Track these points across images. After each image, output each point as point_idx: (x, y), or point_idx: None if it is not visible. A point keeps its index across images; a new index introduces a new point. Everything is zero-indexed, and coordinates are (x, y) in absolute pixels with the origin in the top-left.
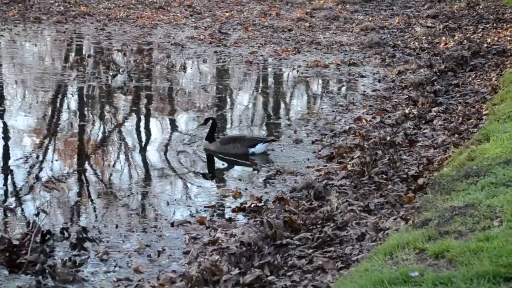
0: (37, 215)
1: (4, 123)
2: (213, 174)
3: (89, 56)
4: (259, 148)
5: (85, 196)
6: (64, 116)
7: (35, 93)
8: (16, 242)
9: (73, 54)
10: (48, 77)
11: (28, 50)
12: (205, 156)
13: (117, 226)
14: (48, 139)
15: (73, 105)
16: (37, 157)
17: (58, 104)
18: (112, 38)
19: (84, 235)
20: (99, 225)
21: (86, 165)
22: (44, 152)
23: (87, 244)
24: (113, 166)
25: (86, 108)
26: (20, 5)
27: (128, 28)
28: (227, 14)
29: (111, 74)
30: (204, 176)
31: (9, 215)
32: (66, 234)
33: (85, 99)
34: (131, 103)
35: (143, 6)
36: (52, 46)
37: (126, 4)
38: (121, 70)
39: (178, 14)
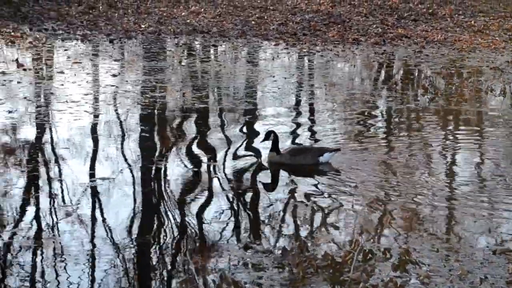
0: (360, 234)
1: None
2: None
3: (406, 78)
4: (327, 156)
5: (392, 217)
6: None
7: (344, 112)
8: (339, 260)
9: (388, 75)
10: (365, 97)
11: (345, 70)
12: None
13: (437, 250)
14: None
15: (387, 126)
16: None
17: (367, 125)
18: (429, 61)
19: (407, 257)
20: (419, 248)
21: (392, 186)
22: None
23: (409, 266)
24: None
25: (397, 131)
26: (339, 26)
27: (446, 51)
28: None
29: (428, 96)
30: None
31: (332, 232)
32: (387, 255)
33: (397, 120)
34: (442, 126)
35: (461, 29)
36: (368, 67)
37: (444, 27)
38: (439, 93)
39: (497, 38)
